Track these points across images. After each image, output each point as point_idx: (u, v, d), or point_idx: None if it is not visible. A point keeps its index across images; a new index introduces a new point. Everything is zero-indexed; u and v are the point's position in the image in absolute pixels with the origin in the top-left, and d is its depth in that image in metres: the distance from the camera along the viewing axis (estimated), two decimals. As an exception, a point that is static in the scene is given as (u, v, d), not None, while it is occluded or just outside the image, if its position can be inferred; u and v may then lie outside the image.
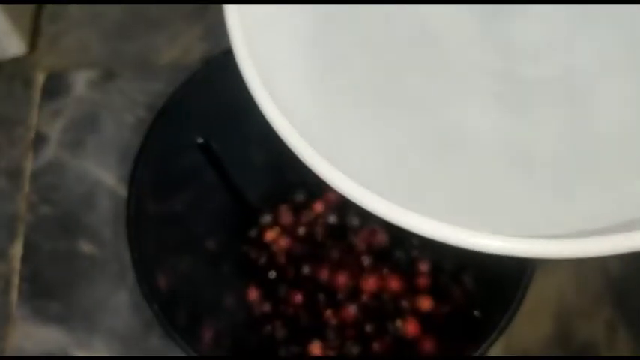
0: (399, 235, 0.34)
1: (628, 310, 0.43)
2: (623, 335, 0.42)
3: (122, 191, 0.45)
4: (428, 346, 0.31)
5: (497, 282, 0.27)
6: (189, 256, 0.31)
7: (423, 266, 0.33)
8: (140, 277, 0.24)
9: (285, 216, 0.35)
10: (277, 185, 0.36)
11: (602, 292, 0.44)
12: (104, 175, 0.46)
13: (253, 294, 0.34)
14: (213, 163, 0.28)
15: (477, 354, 0.23)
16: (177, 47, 0.50)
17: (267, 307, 0.33)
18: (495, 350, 0.42)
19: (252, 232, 0.35)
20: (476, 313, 0.25)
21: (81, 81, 0.48)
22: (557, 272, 0.45)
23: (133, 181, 0.24)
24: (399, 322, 0.31)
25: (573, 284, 0.44)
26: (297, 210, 0.36)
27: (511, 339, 0.43)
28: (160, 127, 0.24)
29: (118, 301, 0.43)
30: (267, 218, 0.35)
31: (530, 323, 0.43)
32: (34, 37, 0.49)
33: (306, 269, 0.33)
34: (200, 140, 0.26)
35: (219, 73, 0.25)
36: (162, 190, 0.28)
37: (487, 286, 0.27)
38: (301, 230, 0.35)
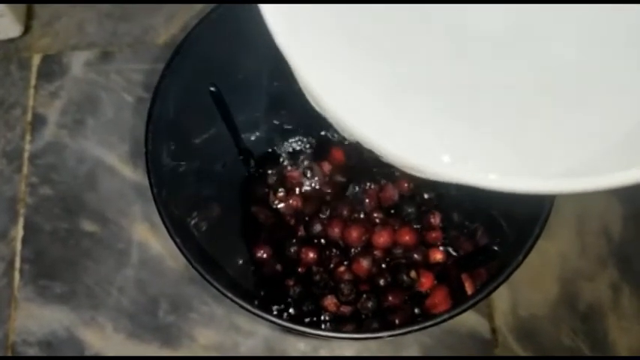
0: (409, 190, 0.34)
1: (633, 272, 0.43)
2: (629, 297, 0.43)
3: (124, 170, 0.45)
4: (441, 297, 0.31)
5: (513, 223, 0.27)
6: (197, 219, 0.31)
7: (435, 219, 0.33)
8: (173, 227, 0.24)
9: (293, 177, 0.35)
10: (284, 147, 0.36)
11: (606, 256, 0.44)
12: (105, 154, 0.45)
13: (263, 255, 0.34)
14: (223, 115, 0.28)
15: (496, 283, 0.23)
16: (175, 26, 0.49)
17: (278, 266, 0.33)
18: (504, 315, 0.42)
19: (259, 194, 0.35)
20: (495, 247, 0.25)
21: (77, 62, 0.48)
22: (559, 237, 0.45)
23: (149, 128, 0.23)
24: (413, 273, 0.30)
25: (576, 248, 0.45)
26: (304, 171, 0.36)
27: (518, 304, 0.43)
28: (175, 67, 0.24)
29: (123, 279, 0.42)
30: (274, 179, 0.35)
31: (535, 288, 0.43)
32: (28, 19, 0.49)
33: (317, 227, 0.32)
34: (212, 88, 0.26)
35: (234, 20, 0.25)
36: (174, 152, 0.28)
37: (503, 227, 0.27)
38: (309, 190, 0.35)
